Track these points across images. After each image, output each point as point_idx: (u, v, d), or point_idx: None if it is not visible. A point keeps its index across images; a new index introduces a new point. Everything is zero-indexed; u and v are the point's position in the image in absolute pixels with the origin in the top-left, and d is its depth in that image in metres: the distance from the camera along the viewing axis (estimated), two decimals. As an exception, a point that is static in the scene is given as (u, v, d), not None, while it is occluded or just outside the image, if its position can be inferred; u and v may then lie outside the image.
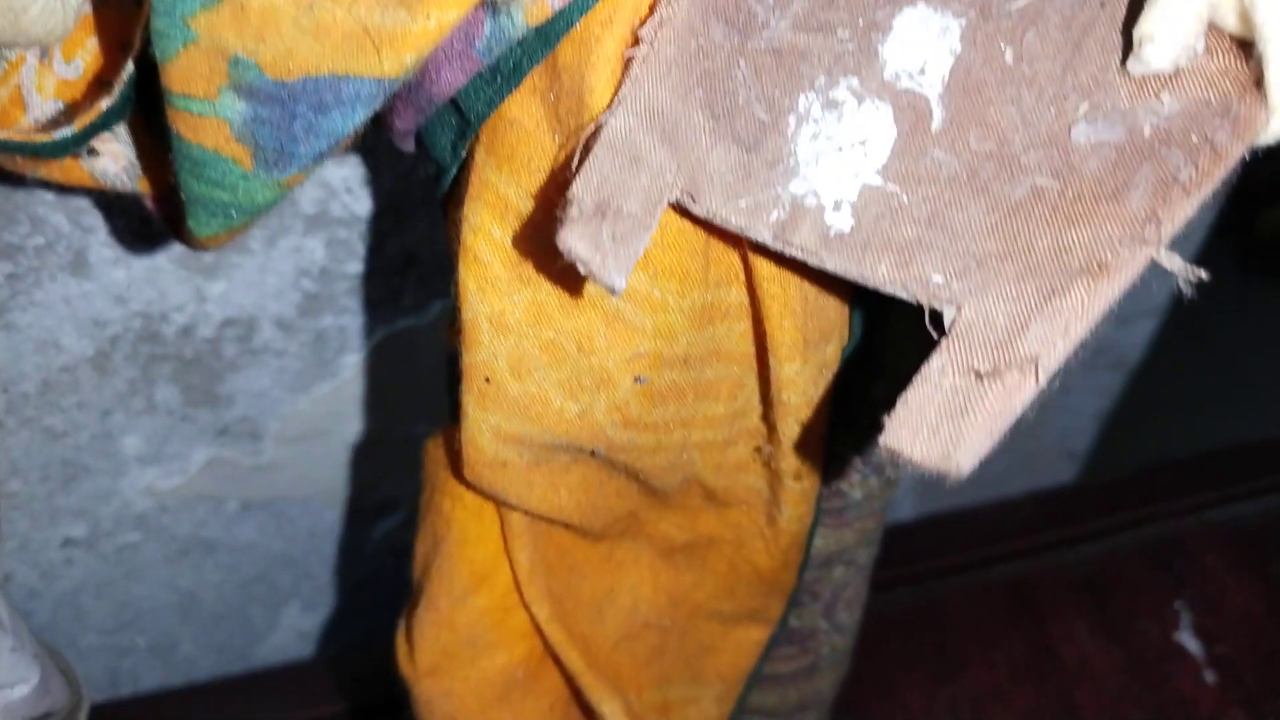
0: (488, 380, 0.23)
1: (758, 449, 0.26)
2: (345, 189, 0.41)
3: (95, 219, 0.39)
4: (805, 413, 0.25)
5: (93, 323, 0.42)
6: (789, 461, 0.26)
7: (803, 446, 0.25)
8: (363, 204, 0.42)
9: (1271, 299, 0.88)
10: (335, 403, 0.48)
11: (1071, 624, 0.57)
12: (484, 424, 0.24)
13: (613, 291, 0.19)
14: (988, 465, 0.67)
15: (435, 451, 0.27)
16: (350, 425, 0.50)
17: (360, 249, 0.43)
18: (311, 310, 0.44)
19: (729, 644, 0.33)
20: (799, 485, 0.27)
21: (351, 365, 0.47)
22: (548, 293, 0.23)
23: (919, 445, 0.16)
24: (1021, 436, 0.68)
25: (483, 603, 0.28)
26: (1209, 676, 0.55)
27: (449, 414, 0.28)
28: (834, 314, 0.24)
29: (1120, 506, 0.61)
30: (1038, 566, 0.59)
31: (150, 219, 0.38)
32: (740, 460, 0.27)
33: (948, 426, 0.16)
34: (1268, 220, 0.96)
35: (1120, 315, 0.64)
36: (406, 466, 0.54)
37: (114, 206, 0.39)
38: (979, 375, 0.16)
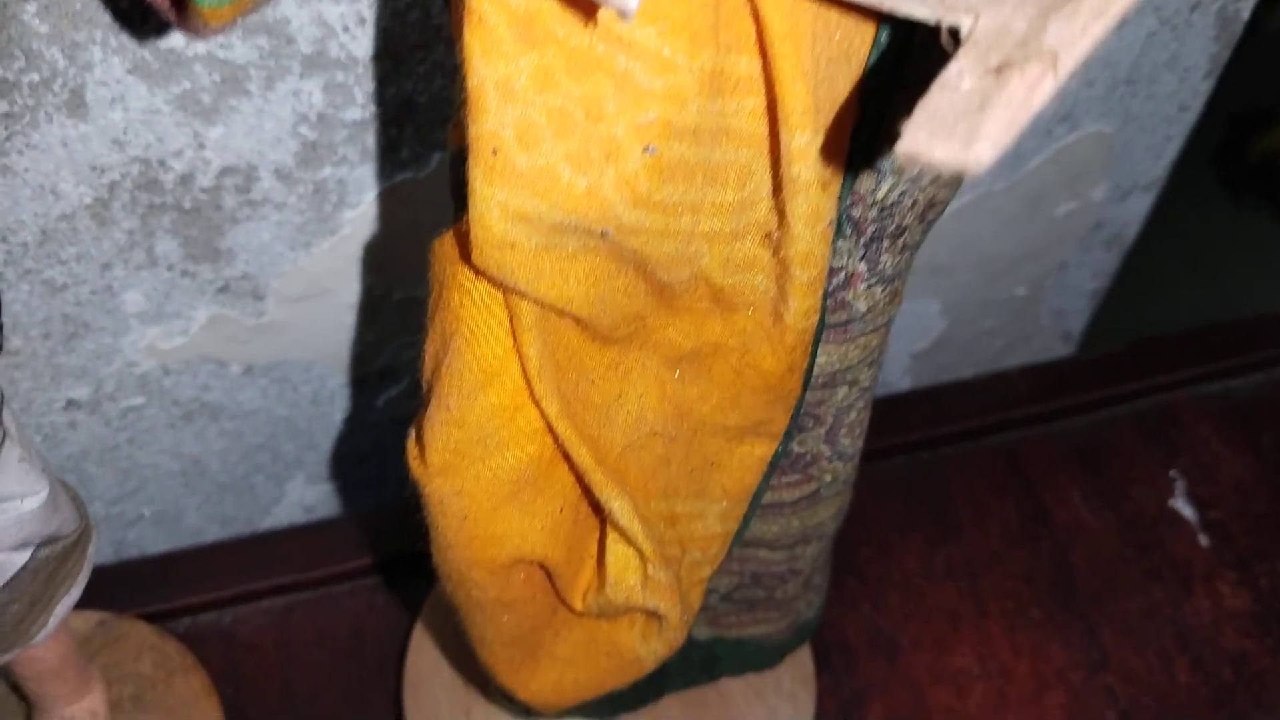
0: (495, 153, 0.23)
1: (767, 236, 0.26)
2: (343, 27, 0.40)
3: (92, 54, 0.38)
4: (814, 191, 0.25)
5: (90, 168, 0.42)
6: (797, 247, 0.26)
7: (811, 227, 0.25)
8: (360, 45, 0.41)
9: (1261, 225, 0.89)
10: (336, 260, 0.48)
11: (1066, 491, 0.58)
12: (492, 201, 0.24)
13: (624, 15, 0.18)
14: (981, 345, 0.68)
15: (442, 249, 0.27)
16: (351, 285, 0.50)
17: (358, 95, 0.43)
18: (310, 160, 0.44)
19: (734, 460, 0.33)
20: (806, 275, 0.27)
21: (351, 221, 0.47)
22: (554, 55, 0.22)
23: (938, 145, 0.16)
24: (1016, 318, 0.68)
25: (493, 400, 0.28)
26: (1202, 540, 0.56)
27: (454, 213, 0.28)
28: (843, 82, 0.24)
29: (1115, 379, 0.61)
30: (1032, 437, 0.60)
31: (149, 26, 0.38)
32: (748, 256, 0.27)
33: (966, 122, 0.16)
34: (1260, 146, 0.96)
35: (1118, 190, 0.63)
36: (407, 332, 0.54)
37: (111, 43, 0.38)
38: (998, 71, 0.16)
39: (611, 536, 0.32)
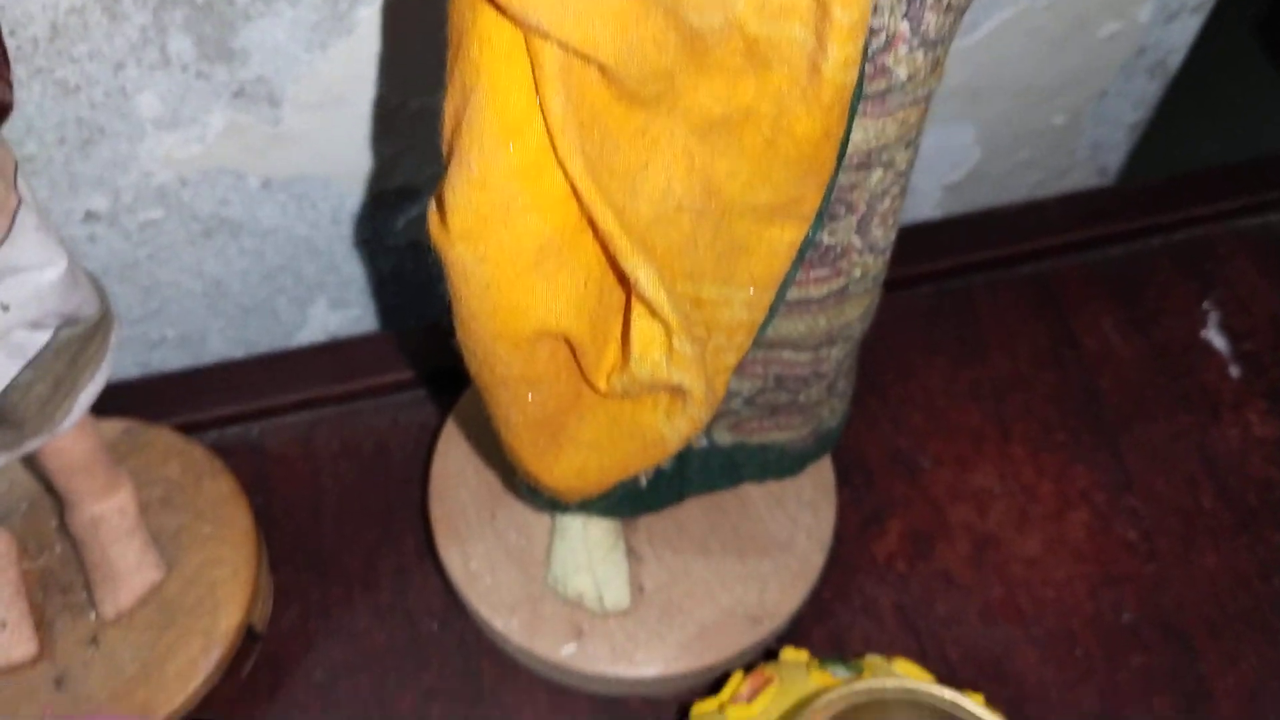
0: None
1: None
2: None
3: None
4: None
5: (98, -46, 0.40)
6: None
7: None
8: None
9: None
10: (352, 64, 0.47)
11: (1097, 318, 0.57)
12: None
13: None
14: (1016, 179, 0.66)
15: (461, -9, 0.26)
16: (367, 91, 0.48)
17: (373, -123, 0.41)
18: (324, -49, 0.43)
19: (762, 244, 0.33)
20: (847, 17, 0.25)
21: (367, 20, 0.45)
22: None
23: None
24: (1053, 149, 0.66)
25: (515, 160, 0.27)
26: (1233, 370, 0.56)
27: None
28: None
29: (1152, 210, 0.60)
30: (1065, 266, 0.59)
31: None
32: (784, 1, 0.26)
33: None
34: None
35: (1164, 10, 0.60)
36: (425, 147, 0.53)
37: None
38: None
39: (637, 311, 0.31)
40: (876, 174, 0.33)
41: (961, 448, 0.53)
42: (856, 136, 0.31)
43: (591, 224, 0.28)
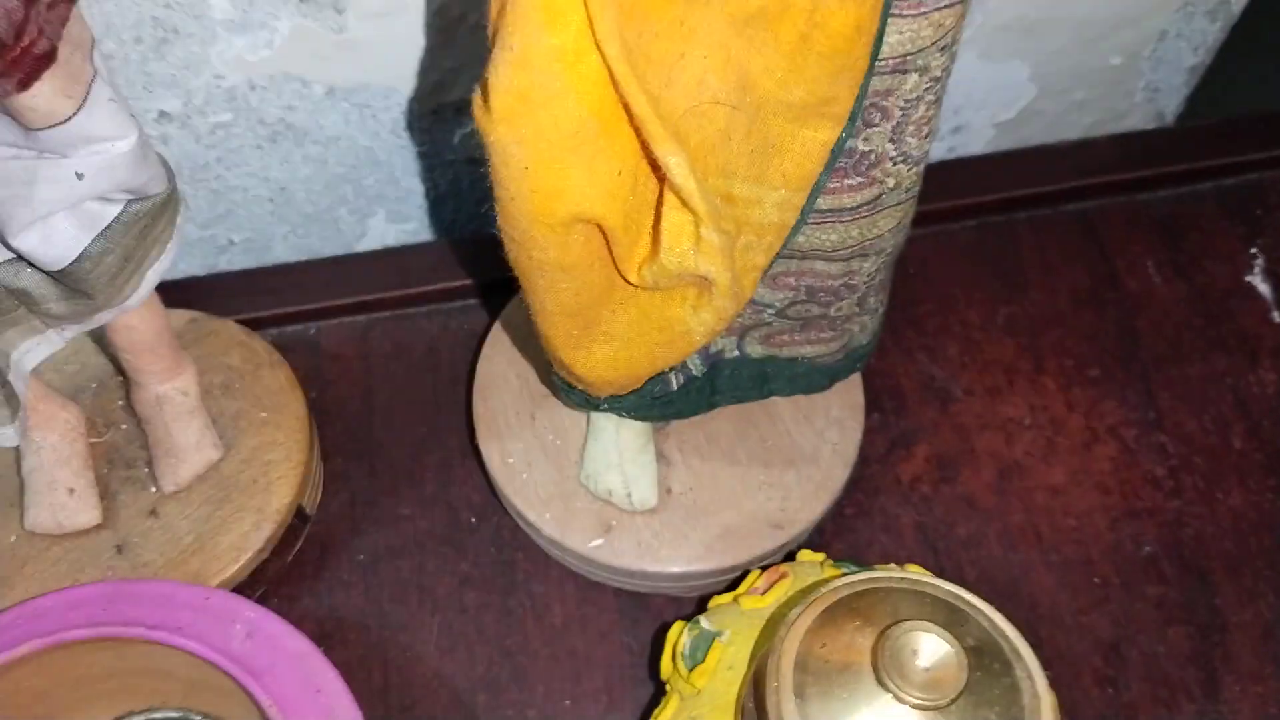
0: None
1: None
2: None
3: None
4: None
5: None
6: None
7: None
8: None
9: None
10: (416, -27, 0.49)
11: (1140, 259, 0.57)
12: None
13: None
14: (1069, 120, 0.66)
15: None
16: (430, 1, 0.50)
17: None
18: None
19: (795, 144, 0.34)
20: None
21: (432, -71, 0.47)
22: None
23: None
24: (1109, 90, 0.66)
25: (556, 41, 0.28)
26: (1276, 316, 0.56)
27: None
28: None
29: (1203, 153, 0.59)
30: (1110, 206, 0.59)
31: None
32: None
33: None
34: None
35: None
36: (482, 60, 0.54)
37: None
38: None
39: (668, 203, 0.32)
40: (911, 79, 0.34)
41: (994, 379, 0.53)
42: (891, 39, 0.32)
43: (627, 110, 0.30)
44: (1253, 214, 0.59)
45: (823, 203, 0.37)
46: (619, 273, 0.35)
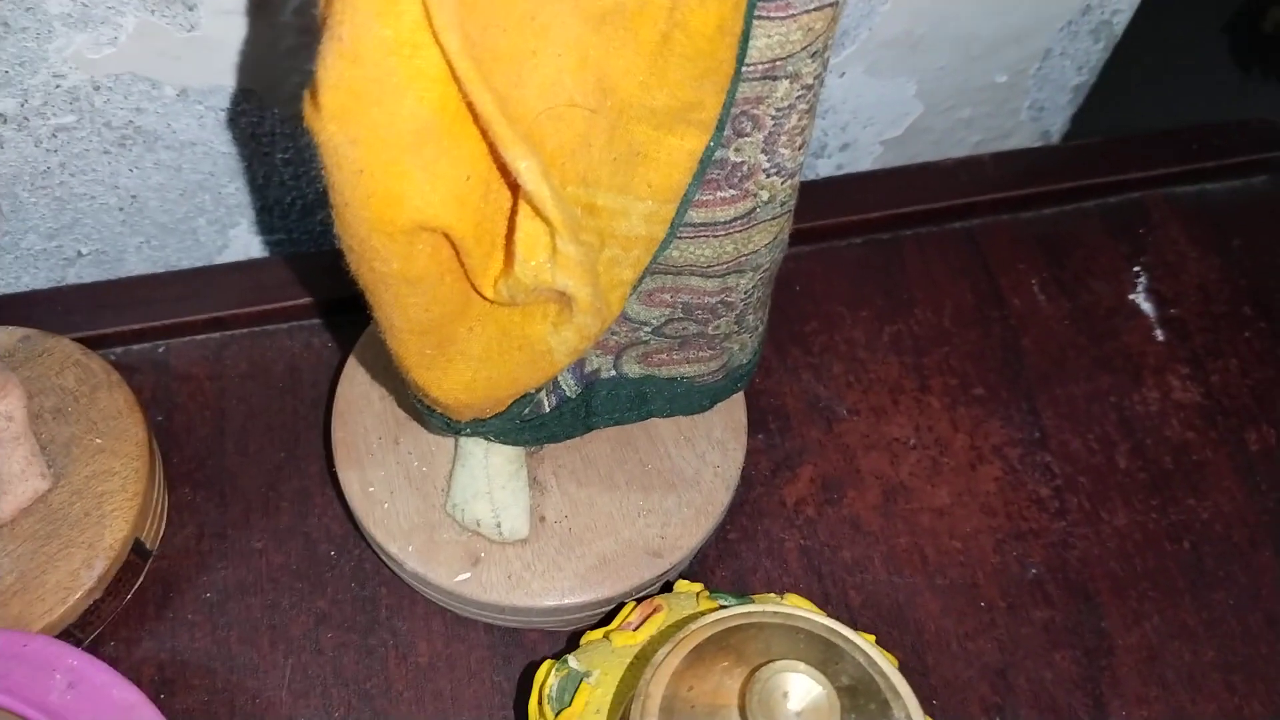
0: None
1: None
2: None
3: None
4: None
5: None
6: None
7: None
8: None
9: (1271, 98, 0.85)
10: (272, -31, 0.45)
11: (1024, 277, 0.57)
12: None
13: None
14: (956, 137, 0.65)
15: None
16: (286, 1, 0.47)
17: None
18: None
19: (661, 152, 0.32)
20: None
21: (287, -77, 0.44)
22: None
23: None
24: (995, 109, 0.65)
25: (389, 32, 0.26)
26: (1158, 335, 0.56)
27: None
28: None
29: (1087, 172, 0.59)
30: (996, 224, 0.58)
31: None
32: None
33: None
34: (1273, 17, 0.92)
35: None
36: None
37: None
38: None
39: (522, 213, 0.30)
40: (782, 86, 0.32)
41: (879, 399, 0.52)
42: (759, 42, 0.30)
43: (471, 110, 0.27)
44: (1136, 233, 0.59)
45: (695, 216, 0.35)
46: (473, 287, 0.32)
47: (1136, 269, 0.58)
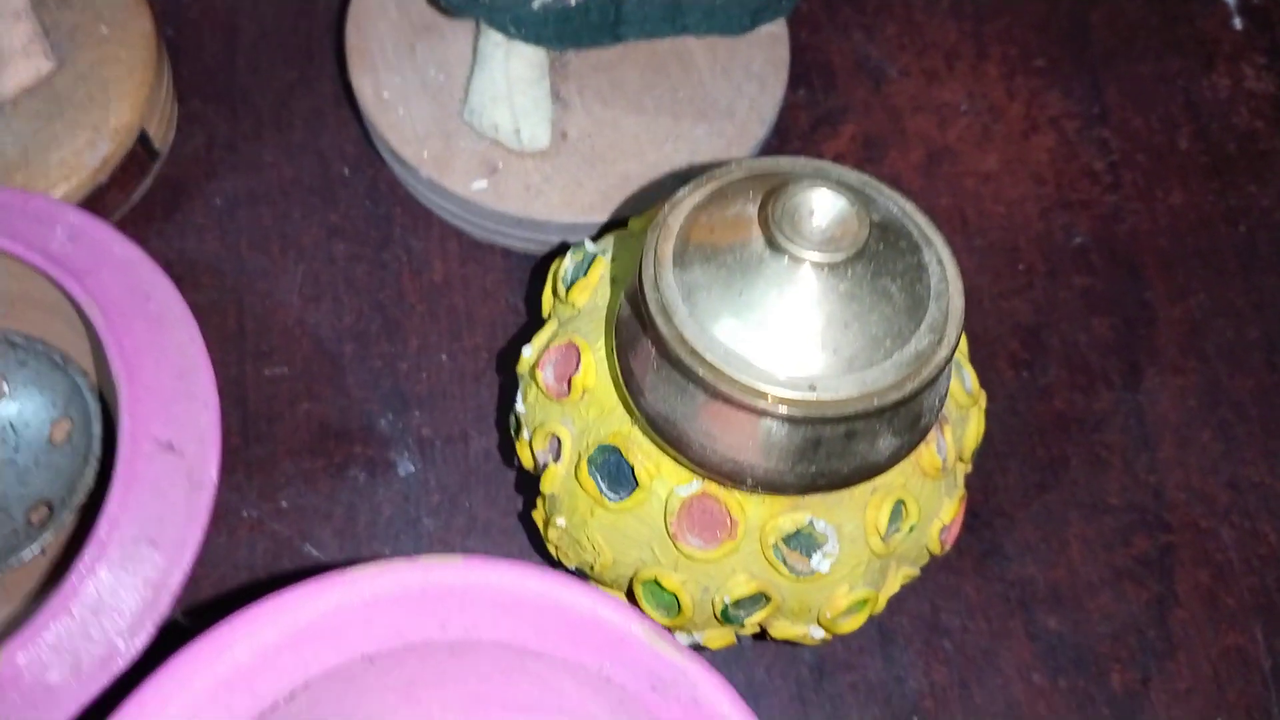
0: None
1: None
2: None
3: None
4: None
5: None
6: None
7: None
8: None
9: None
10: None
11: (1100, -49, 0.52)
12: None
13: None
14: None
15: None
16: None
17: None
18: None
19: None
20: None
21: None
22: None
23: None
24: None
25: None
26: (1237, 23, 0.51)
27: None
28: None
29: None
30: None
31: None
32: None
33: None
34: None
35: None
36: None
37: None
38: None
39: None
40: None
41: (933, 62, 0.49)
42: None
43: None
44: (1225, -86, 0.54)
45: None
46: None
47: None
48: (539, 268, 0.43)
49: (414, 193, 0.43)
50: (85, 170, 0.40)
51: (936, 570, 0.40)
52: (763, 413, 0.27)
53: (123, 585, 0.31)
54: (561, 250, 0.42)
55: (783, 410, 0.26)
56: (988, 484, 0.41)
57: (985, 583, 0.40)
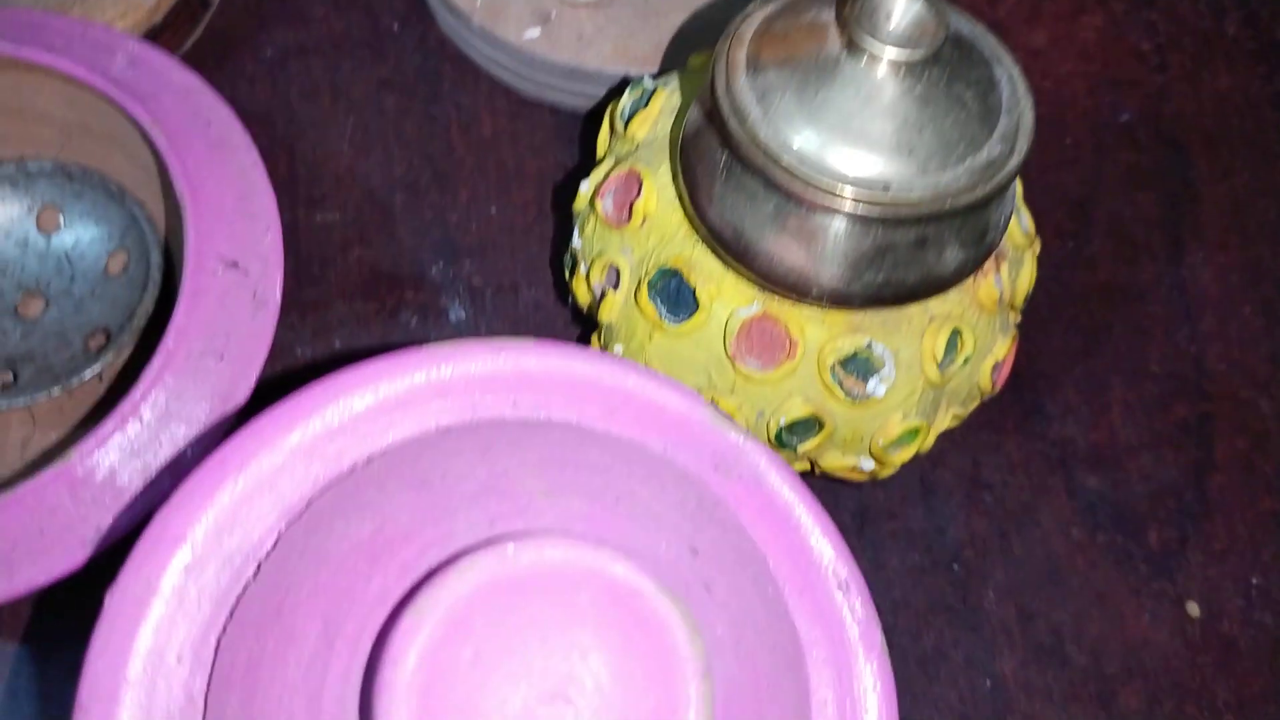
0: None
1: None
2: None
3: None
4: None
5: None
6: None
7: None
8: None
9: None
10: None
11: None
12: None
13: None
14: None
15: None
16: None
17: None
18: None
19: None
20: None
21: None
22: None
23: None
24: None
25: None
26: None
27: None
28: None
29: None
30: None
31: None
32: None
33: None
34: None
35: None
36: None
37: None
38: None
39: None
40: None
41: (982, -58, 0.49)
42: None
43: None
44: None
45: None
46: None
47: None
48: (586, 127, 0.43)
49: (463, 47, 0.43)
50: (141, 10, 0.40)
51: (979, 428, 0.40)
52: (836, 213, 0.27)
53: (190, 395, 0.32)
54: (614, 95, 0.42)
55: (858, 210, 0.27)
56: (1031, 348, 0.41)
57: (1026, 440, 0.40)
